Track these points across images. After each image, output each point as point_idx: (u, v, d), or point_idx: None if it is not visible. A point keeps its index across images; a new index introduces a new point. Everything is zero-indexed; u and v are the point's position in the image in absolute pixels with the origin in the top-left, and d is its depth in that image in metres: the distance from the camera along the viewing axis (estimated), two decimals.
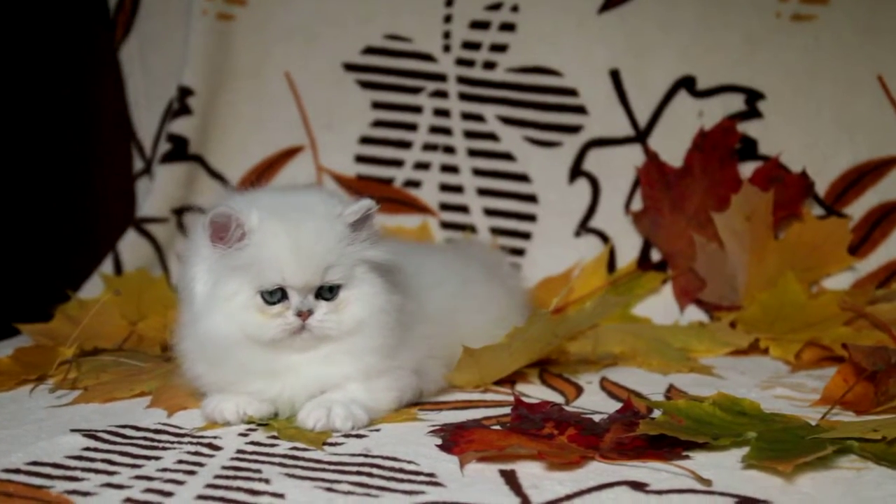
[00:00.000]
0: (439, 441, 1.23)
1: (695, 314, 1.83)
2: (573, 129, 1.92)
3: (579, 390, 1.48)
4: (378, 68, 1.99)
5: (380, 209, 1.31)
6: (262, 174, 2.00)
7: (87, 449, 1.21)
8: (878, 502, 1.07)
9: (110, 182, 2.15)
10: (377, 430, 1.28)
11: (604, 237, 1.90)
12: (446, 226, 1.96)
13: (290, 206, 1.30)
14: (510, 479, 1.12)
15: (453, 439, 1.22)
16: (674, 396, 1.44)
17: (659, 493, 1.08)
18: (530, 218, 1.93)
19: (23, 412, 1.35)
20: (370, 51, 1.99)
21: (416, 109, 1.98)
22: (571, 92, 1.92)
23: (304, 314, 1.27)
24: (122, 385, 1.43)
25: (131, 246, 2.00)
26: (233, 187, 1.99)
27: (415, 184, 1.97)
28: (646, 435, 1.20)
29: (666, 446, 1.20)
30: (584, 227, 1.91)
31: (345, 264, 1.28)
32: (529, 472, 1.14)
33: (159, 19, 2.08)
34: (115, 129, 2.14)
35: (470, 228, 1.95)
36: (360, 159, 1.99)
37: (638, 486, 1.10)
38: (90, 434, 1.25)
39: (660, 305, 1.85)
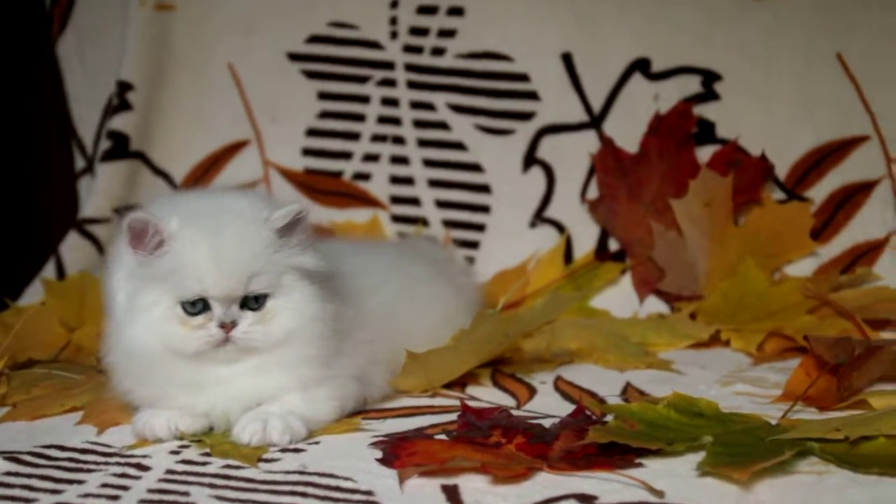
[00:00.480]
0: (380, 454, 1.17)
1: (655, 305, 1.77)
2: (526, 116, 1.85)
3: (532, 392, 1.42)
4: (323, 57, 1.92)
5: (306, 213, 1.24)
6: (207, 170, 1.94)
7: (8, 474, 1.14)
8: None
9: (52, 182, 2.08)
10: (316, 443, 1.22)
11: (560, 227, 1.84)
12: (398, 219, 1.89)
13: (212, 211, 1.22)
14: (452, 495, 1.06)
15: (394, 452, 1.16)
16: (630, 396, 1.39)
17: None
18: (484, 209, 1.87)
19: None
20: (315, 39, 1.92)
21: (364, 99, 1.91)
22: (523, 77, 1.85)
23: (227, 326, 1.20)
24: (53, 400, 1.36)
25: (74, 248, 1.93)
26: (175, 185, 1.93)
27: (364, 176, 1.91)
28: (597, 442, 1.14)
29: (618, 453, 1.14)
30: (539, 218, 1.84)
31: (271, 272, 1.21)
32: (473, 486, 1.08)
33: (97, 12, 2.00)
34: (55, 127, 2.06)
35: (422, 221, 1.88)
36: (308, 152, 1.92)
37: (586, 499, 1.05)
38: (11, 457, 1.18)
39: (619, 297, 1.79)
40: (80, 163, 2.01)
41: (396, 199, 1.90)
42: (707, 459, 1.10)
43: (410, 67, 1.89)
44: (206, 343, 1.20)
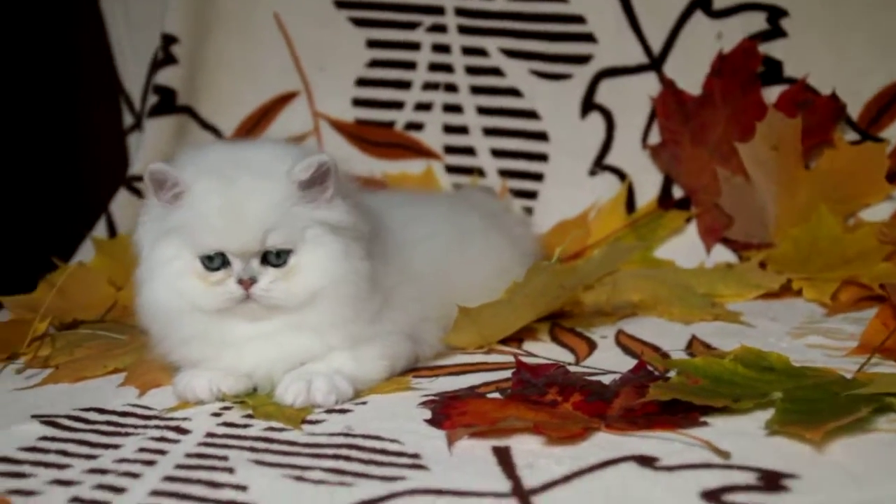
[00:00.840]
0: (429, 415, 1.11)
1: (722, 254, 1.69)
2: (582, 60, 1.77)
3: (592, 347, 1.35)
4: (371, 3, 1.86)
5: (331, 165, 1.16)
6: (257, 123, 1.88)
7: (44, 438, 1.10)
8: None
9: (101, 140, 2.05)
10: (363, 404, 1.17)
11: (621, 175, 1.76)
12: (452, 170, 1.83)
13: (230, 162, 1.17)
14: (503, 457, 1.00)
15: (444, 412, 1.10)
16: (695, 350, 1.31)
17: (669, 469, 0.96)
18: (541, 157, 1.80)
19: None
20: None
21: (414, 46, 1.84)
22: (578, 19, 1.77)
23: (245, 282, 1.14)
24: (96, 362, 1.32)
25: (124, 205, 1.89)
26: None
27: (417, 126, 1.84)
28: (658, 400, 1.08)
29: (681, 412, 1.07)
30: (599, 165, 1.77)
31: (292, 227, 1.14)
32: (526, 448, 1.02)
33: None
34: (102, 83, 2.02)
35: (477, 171, 1.81)
36: (358, 102, 1.86)
37: (646, 461, 0.98)
38: (49, 421, 1.15)
39: (684, 246, 1.71)
40: (128, 119, 1.96)
41: (450, 149, 1.83)
42: (776, 417, 1.03)
43: (461, 12, 1.82)
44: (225, 300, 1.15)
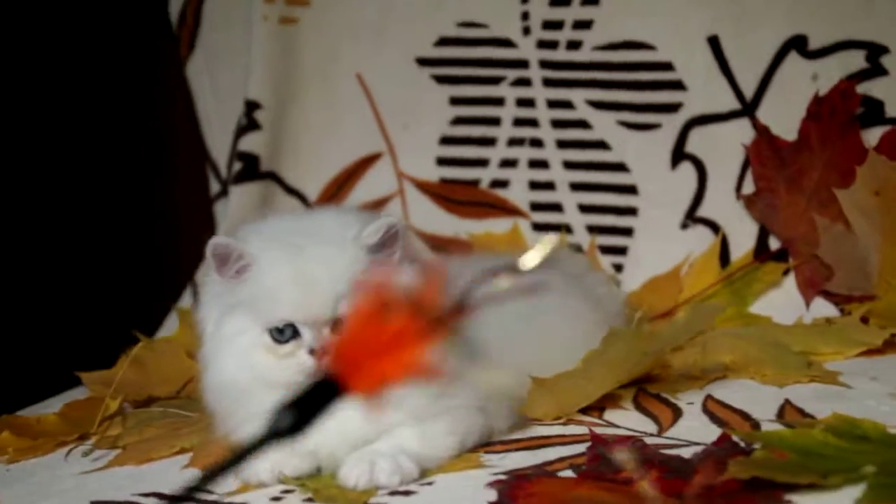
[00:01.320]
0: (495, 496, 1.05)
1: (823, 308, 1.60)
2: (672, 108, 1.71)
3: (677, 414, 1.28)
4: (454, 60, 1.82)
5: (399, 228, 1.14)
6: (341, 186, 1.86)
7: None
8: None
9: (189, 210, 2.04)
10: (430, 484, 1.12)
11: (714, 227, 1.68)
12: (539, 227, 1.77)
13: (296, 231, 1.15)
14: None
15: (510, 494, 1.04)
16: (788, 417, 1.23)
17: None
18: (631, 211, 1.73)
19: (50, 481, 1.23)
20: (444, 42, 1.82)
21: (498, 101, 1.80)
22: (667, 66, 1.71)
23: (318, 352, 1.10)
24: (164, 442, 1.29)
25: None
26: (309, 204, 1.85)
27: (502, 183, 1.79)
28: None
29: (765, 488, 0.99)
30: (691, 217, 1.69)
31: None
32: None
33: (223, 31, 1.94)
34: (191, 154, 2.02)
35: (565, 228, 1.75)
36: (442, 161, 1.82)
37: None
38: None
39: (782, 301, 1.62)
40: (215, 187, 1.95)
41: (537, 206, 1.77)
42: (867, 494, 0.94)
43: (545, 64, 1.77)
44: (296, 372, 1.11)
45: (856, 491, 0.96)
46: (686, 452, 1.12)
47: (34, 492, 1.20)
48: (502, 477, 1.10)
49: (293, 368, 1.11)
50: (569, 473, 1.10)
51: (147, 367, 1.59)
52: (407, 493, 1.09)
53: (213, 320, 1.17)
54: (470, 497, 1.06)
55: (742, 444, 1.10)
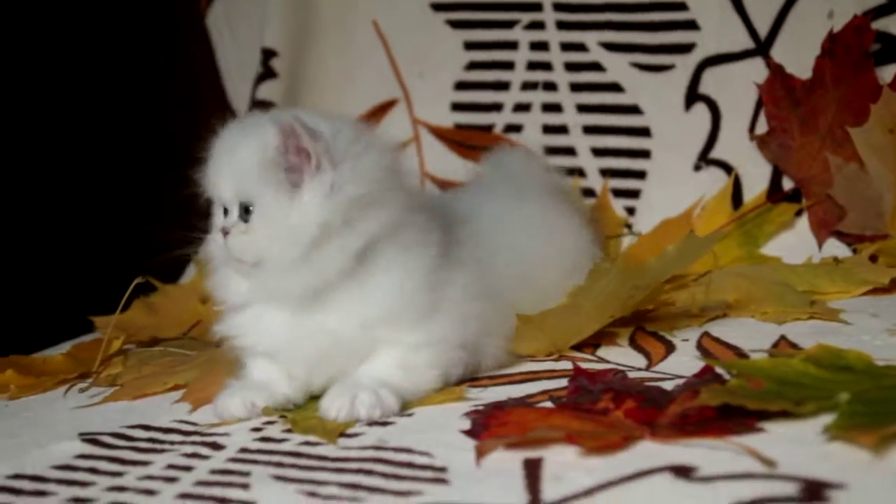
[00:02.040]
0: (468, 425, 1.05)
1: (835, 248, 1.57)
2: (685, 49, 1.68)
3: (670, 350, 1.26)
4: (468, 4, 1.81)
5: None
6: None
7: (80, 457, 1.09)
8: None
9: None
10: (409, 415, 1.12)
11: (727, 168, 1.65)
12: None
13: (246, 123, 1.19)
14: (532, 470, 0.94)
15: (485, 423, 1.04)
16: (780, 351, 1.21)
17: (705, 479, 0.88)
18: (644, 154, 1.71)
19: (44, 416, 1.25)
20: None
21: (512, 45, 1.78)
22: (680, 6, 1.68)
23: (222, 231, 1.15)
24: (158, 379, 1.31)
25: None
26: None
27: (516, 128, 1.78)
28: (720, 404, 0.99)
29: (738, 417, 0.98)
30: (704, 159, 1.67)
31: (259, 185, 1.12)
32: (560, 459, 0.95)
33: None
34: (212, 100, 2.02)
35: (578, 172, 1.73)
36: (457, 107, 1.81)
37: (683, 471, 0.89)
38: (92, 439, 1.13)
39: (795, 241, 1.59)
40: None
41: (550, 150, 1.76)
42: (837, 421, 0.93)
43: (559, 6, 1.75)
44: (214, 247, 1.17)
45: (830, 419, 0.94)
46: (669, 385, 1.10)
47: (25, 424, 1.21)
48: (479, 408, 1.09)
49: (211, 243, 1.18)
50: (548, 405, 1.09)
51: (159, 312, 1.61)
52: (384, 423, 1.10)
53: None
54: (446, 426, 1.06)
55: (724, 376, 1.08)
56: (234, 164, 1.14)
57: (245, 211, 1.13)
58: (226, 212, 1.16)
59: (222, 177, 1.15)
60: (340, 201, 1.10)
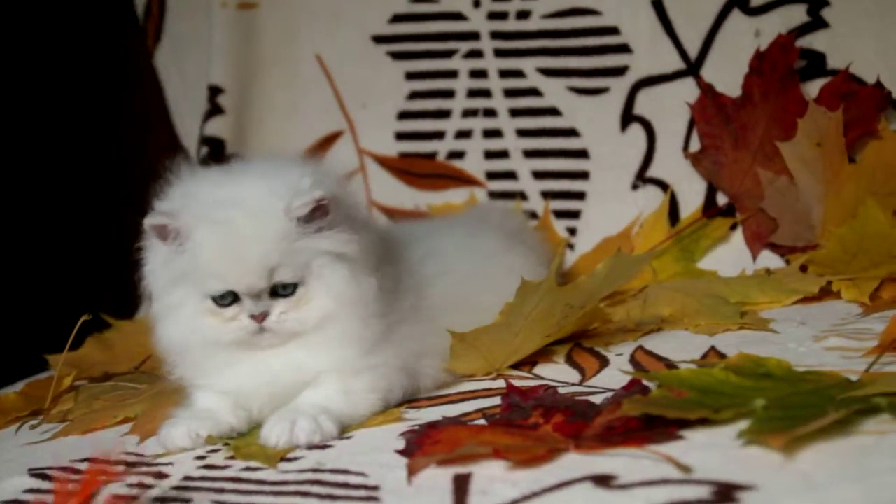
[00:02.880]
0: (402, 445, 1.08)
1: (770, 261, 1.61)
2: (619, 72, 1.72)
3: (604, 365, 1.30)
4: (408, 36, 1.84)
5: (328, 200, 1.15)
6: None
7: (28, 491, 1.12)
8: (883, 475, 0.86)
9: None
10: (348, 438, 1.15)
11: (664, 186, 1.69)
12: (494, 195, 1.79)
13: (227, 203, 1.15)
14: (461, 484, 0.97)
15: (418, 442, 1.07)
16: (708, 362, 1.25)
17: (623, 487, 0.91)
18: (583, 175, 1.75)
19: None
20: (397, 18, 1.84)
21: (452, 74, 1.82)
22: (613, 30, 1.72)
23: (257, 317, 1.15)
24: (108, 413, 1.34)
25: None
26: None
27: (458, 154, 1.82)
28: (642, 414, 1.02)
29: (660, 426, 1.02)
30: (641, 178, 1.71)
31: (296, 261, 1.15)
32: (488, 473, 0.98)
33: (187, 20, 1.98)
34: (162, 138, 2.05)
35: (519, 195, 1.77)
36: (401, 136, 1.85)
37: (603, 480, 0.93)
38: (40, 473, 1.16)
39: (730, 255, 1.63)
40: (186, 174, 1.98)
41: (492, 175, 1.80)
42: (751, 426, 0.96)
43: (496, 35, 1.79)
44: (241, 334, 1.16)
45: (746, 425, 0.97)
46: (599, 399, 1.14)
47: None
48: (414, 428, 1.13)
49: (238, 331, 1.16)
50: (482, 422, 1.13)
51: (113, 348, 1.64)
52: (325, 447, 1.12)
53: (159, 286, 1.20)
54: (382, 447, 1.09)
55: (650, 387, 1.12)
56: (263, 253, 1.14)
57: (285, 287, 1.15)
58: (236, 296, 1.15)
59: (250, 271, 1.14)
60: (368, 245, 1.17)
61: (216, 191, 1.18)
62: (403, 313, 1.23)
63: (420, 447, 1.06)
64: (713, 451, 0.95)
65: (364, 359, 1.19)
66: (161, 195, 1.22)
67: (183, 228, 1.14)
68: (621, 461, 0.96)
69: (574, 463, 0.98)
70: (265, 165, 1.23)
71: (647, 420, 1.03)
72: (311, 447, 1.12)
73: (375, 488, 0.99)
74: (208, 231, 1.14)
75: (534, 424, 1.08)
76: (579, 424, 1.06)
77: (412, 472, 1.00)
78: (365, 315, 1.18)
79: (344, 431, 1.16)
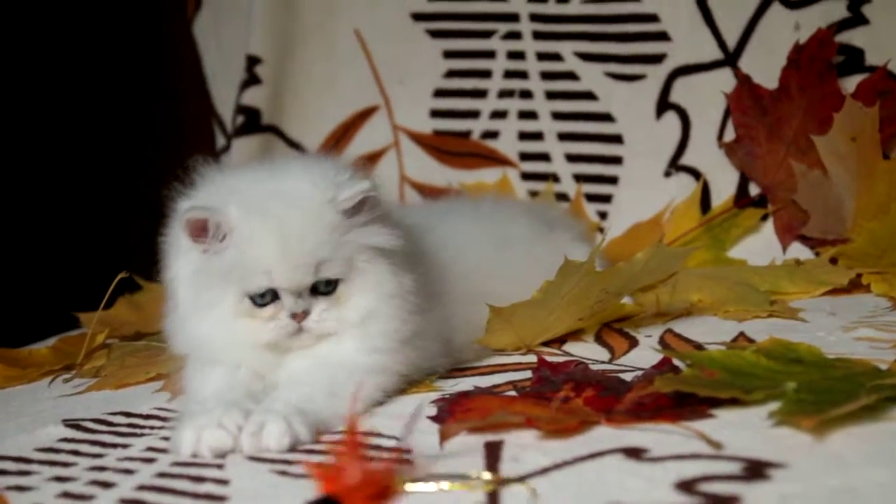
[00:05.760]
0: (434, 412, 1.09)
1: (799, 252, 1.62)
2: (656, 59, 1.73)
3: (633, 345, 1.31)
4: (447, 14, 1.85)
5: (374, 191, 1.14)
6: (339, 140, 1.90)
7: (63, 440, 1.14)
8: None
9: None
10: (380, 404, 1.16)
11: (696, 174, 1.70)
12: (527, 177, 1.81)
13: (273, 196, 1.12)
14: (492, 451, 0.98)
15: (450, 410, 1.09)
16: (740, 345, 1.26)
17: (654, 460, 0.93)
18: (616, 160, 1.76)
19: (29, 404, 1.29)
20: None
21: (490, 54, 1.83)
22: (652, 18, 1.73)
23: (299, 315, 1.12)
24: (141, 369, 1.35)
25: None
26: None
27: (492, 134, 1.83)
28: (674, 392, 1.04)
29: (691, 404, 1.03)
30: (674, 166, 1.72)
31: (341, 257, 1.13)
32: (519, 442, 1.00)
33: None
34: (198, 107, 2.07)
35: (552, 177, 1.79)
36: (436, 114, 1.86)
37: (634, 453, 0.94)
38: (73, 424, 1.18)
39: (760, 245, 1.64)
40: (220, 141, 2.00)
41: (525, 156, 1.81)
42: (782, 408, 0.98)
43: (535, 17, 1.80)
44: (277, 334, 1.13)
45: (776, 406, 0.99)
46: (630, 376, 1.15)
47: (11, 412, 1.25)
48: (446, 396, 1.14)
49: (276, 331, 1.12)
50: (512, 394, 1.14)
51: (143, 309, 1.66)
52: None
53: (188, 285, 1.15)
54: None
55: (681, 367, 1.13)
56: (314, 247, 1.12)
57: (327, 283, 1.13)
58: (274, 295, 1.12)
59: (299, 266, 1.11)
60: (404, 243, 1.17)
61: (258, 185, 1.15)
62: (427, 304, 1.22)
63: (452, 415, 1.07)
64: (744, 430, 0.97)
65: (386, 355, 1.16)
66: (190, 191, 1.17)
67: (225, 223, 1.11)
68: (652, 436, 0.98)
69: (605, 435, 0.99)
70: (298, 161, 1.22)
71: (678, 398, 1.04)
72: None
73: (408, 451, 1.00)
74: (258, 225, 1.10)
75: (564, 398, 1.09)
76: (610, 399, 1.07)
77: (444, 437, 1.01)
78: (404, 312, 1.16)
79: (318, 434, 1.07)
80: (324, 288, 1.14)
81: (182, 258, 1.16)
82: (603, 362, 1.25)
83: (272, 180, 1.15)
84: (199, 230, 1.11)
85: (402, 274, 1.17)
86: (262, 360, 1.15)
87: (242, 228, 1.10)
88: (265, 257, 1.10)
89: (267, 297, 1.12)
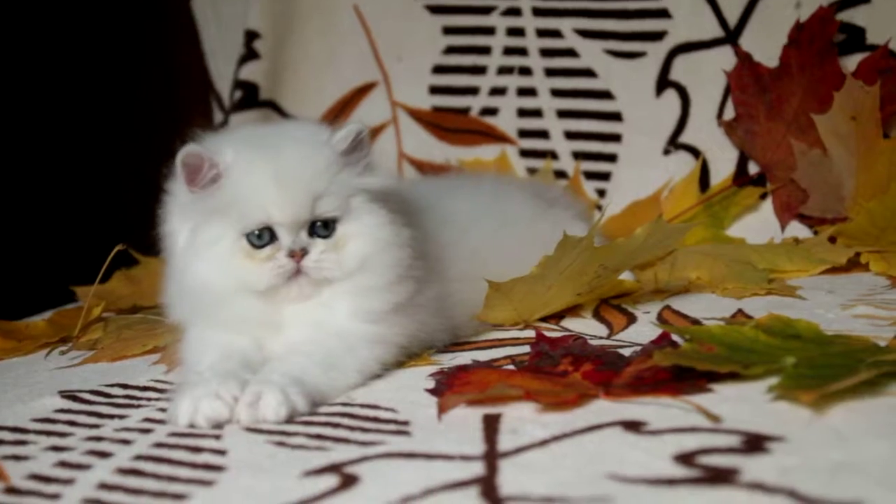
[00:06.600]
0: (433, 384, 1.09)
1: (798, 231, 1.62)
2: (657, 36, 1.72)
3: (631, 321, 1.31)
4: None
5: (367, 133, 1.16)
6: (337, 115, 1.89)
7: (59, 411, 1.13)
8: None
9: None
10: (378, 377, 1.15)
11: (696, 153, 1.70)
12: (526, 154, 1.80)
13: (268, 137, 1.17)
14: (491, 424, 0.98)
15: (448, 382, 1.09)
16: (739, 321, 1.25)
17: (653, 433, 0.92)
18: (615, 138, 1.75)
19: (26, 375, 1.29)
20: None
21: (489, 31, 1.83)
22: None
23: (297, 254, 1.12)
24: (137, 342, 1.35)
25: None
26: None
27: (491, 111, 1.82)
28: (672, 366, 1.04)
29: (690, 379, 1.03)
30: (673, 144, 1.71)
31: (338, 194, 1.13)
32: (518, 415, 1.00)
33: None
34: (196, 82, 2.07)
35: (550, 155, 1.78)
36: (435, 90, 1.86)
37: (633, 426, 0.94)
38: (70, 395, 1.17)
39: (759, 224, 1.64)
40: (218, 116, 2.00)
41: (524, 133, 1.81)
42: (781, 382, 0.97)
43: None
44: (276, 275, 1.11)
45: (775, 380, 0.98)
46: (628, 351, 1.15)
47: (8, 383, 1.25)
48: (444, 369, 1.14)
49: (273, 271, 1.12)
50: (510, 367, 1.14)
51: (139, 283, 1.65)
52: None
53: (186, 232, 1.15)
54: (411, 386, 1.11)
55: (679, 342, 1.13)
56: (310, 179, 1.12)
57: (325, 226, 1.13)
58: (272, 236, 1.12)
59: (296, 198, 1.12)
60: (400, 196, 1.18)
61: (256, 132, 1.20)
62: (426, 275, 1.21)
63: (449, 387, 1.07)
64: (742, 403, 0.96)
65: (383, 325, 1.16)
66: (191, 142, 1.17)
67: (221, 162, 1.12)
68: (651, 409, 0.98)
69: (603, 409, 0.99)
70: (295, 120, 1.25)
71: (677, 372, 1.04)
72: None
73: (405, 423, 1.00)
74: (252, 159, 1.12)
75: (563, 372, 1.09)
76: (608, 373, 1.07)
77: (443, 409, 1.01)
78: (399, 265, 1.16)
79: (315, 406, 1.06)
80: (322, 231, 1.14)
81: (178, 205, 1.16)
82: (601, 338, 1.25)
83: (269, 128, 1.24)
84: (195, 173, 1.12)
85: (400, 226, 1.17)
86: (260, 316, 1.14)
87: (238, 165, 1.12)
88: (261, 191, 1.11)
89: (264, 238, 1.13)
